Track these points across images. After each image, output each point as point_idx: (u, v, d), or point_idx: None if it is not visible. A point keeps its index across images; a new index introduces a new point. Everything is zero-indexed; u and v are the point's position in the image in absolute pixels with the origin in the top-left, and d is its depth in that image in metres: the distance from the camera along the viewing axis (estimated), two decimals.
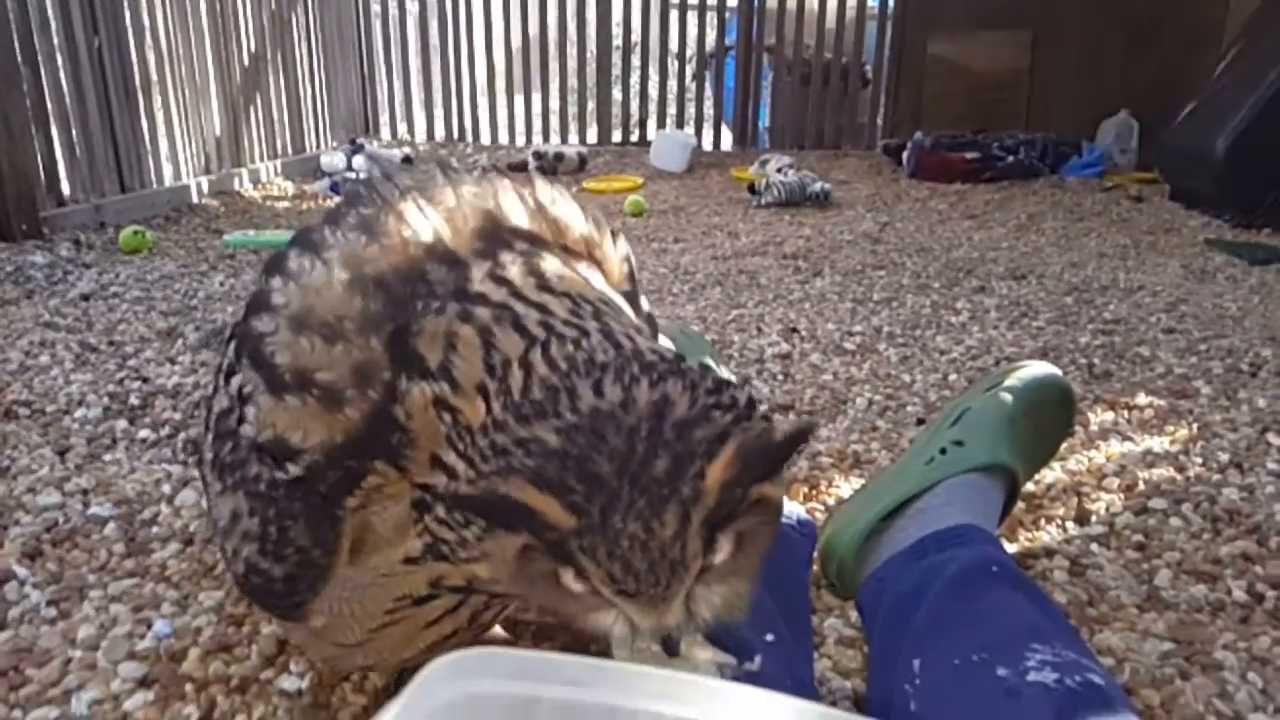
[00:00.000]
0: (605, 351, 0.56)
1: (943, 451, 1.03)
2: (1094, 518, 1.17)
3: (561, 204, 0.71)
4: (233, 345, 0.71)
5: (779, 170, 3.92)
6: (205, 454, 0.71)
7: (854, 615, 0.96)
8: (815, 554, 1.01)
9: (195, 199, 3.63)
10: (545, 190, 0.72)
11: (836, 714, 0.50)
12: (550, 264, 0.65)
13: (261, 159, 4.27)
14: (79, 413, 1.50)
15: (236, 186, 3.96)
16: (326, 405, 0.60)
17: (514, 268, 0.63)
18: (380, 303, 0.61)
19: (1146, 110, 4.37)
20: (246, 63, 4.17)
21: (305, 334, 0.62)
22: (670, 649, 0.56)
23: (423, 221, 0.65)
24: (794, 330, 2.01)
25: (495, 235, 0.66)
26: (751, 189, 3.84)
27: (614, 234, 0.75)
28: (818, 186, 3.72)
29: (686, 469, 0.51)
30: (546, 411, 0.53)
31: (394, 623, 0.67)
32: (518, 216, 0.68)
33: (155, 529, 1.15)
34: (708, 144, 5.74)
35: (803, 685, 0.77)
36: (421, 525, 0.61)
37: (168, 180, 3.59)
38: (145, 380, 1.65)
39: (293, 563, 0.64)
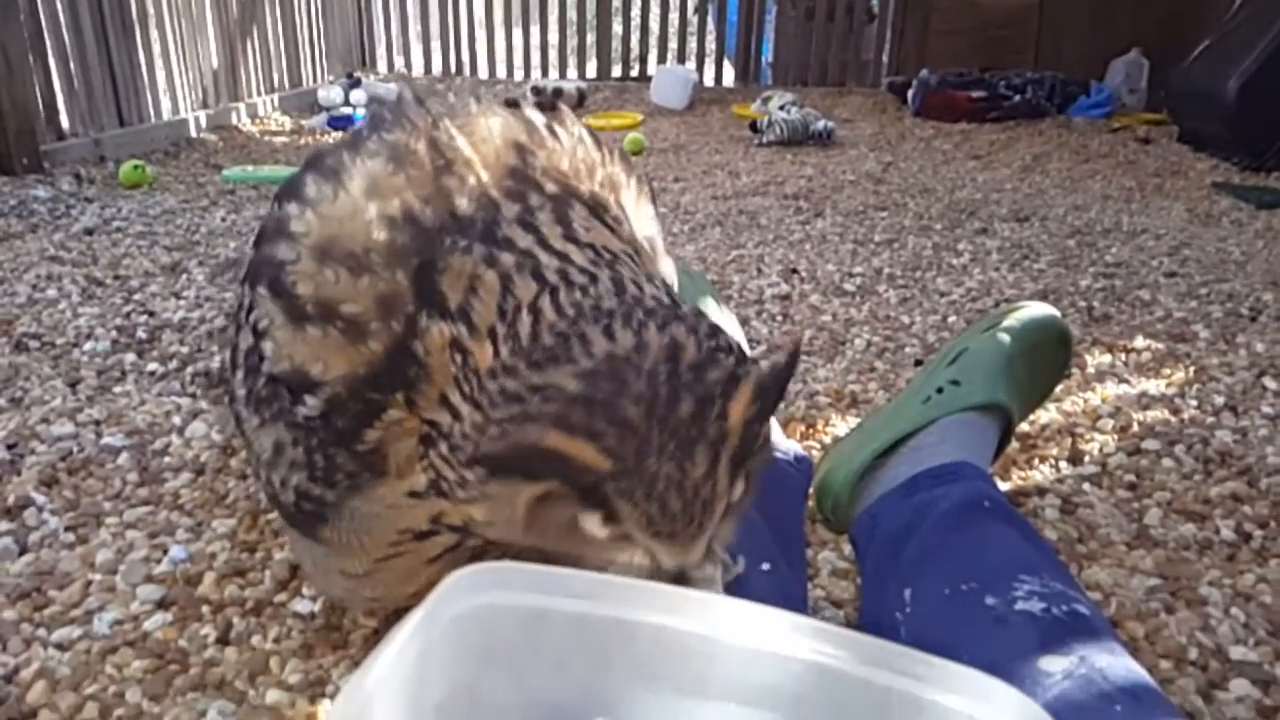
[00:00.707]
0: (610, 298, 0.57)
1: (939, 391, 1.04)
2: (1087, 458, 1.18)
3: (589, 143, 0.71)
4: (249, 276, 0.71)
5: (782, 108, 3.88)
6: (237, 390, 0.72)
7: (848, 549, 0.98)
8: (811, 490, 1.03)
9: (193, 133, 3.61)
10: (575, 128, 0.71)
11: (829, 628, 0.52)
12: (578, 212, 0.64)
13: (259, 93, 4.23)
14: (88, 346, 1.52)
15: (234, 121, 3.93)
16: (350, 337, 0.60)
17: (542, 214, 0.63)
18: (408, 236, 0.61)
19: (1158, 50, 4.31)
20: None
21: (330, 265, 0.61)
22: (681, 581, 0.56)
23: (455, 153, 0.64)
24: (794, 271, 2.01)
25: (526, 174, 0.65)
26: (753, 127, 3.80)
27: (639, 179, 0.74)
28: (821, 125, 3.69)
29: (709, 410, 0.52)
30: (559, 357, 0.54)
31: (397, 555, 0.67)
32: (549, 155, 0.67)
33: (167, 459, 1.17)
34: (709, 80, 5.67)
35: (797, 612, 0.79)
36: (426, 460, 0.61)
37: (166, 114, 3.57)
38: (151, 314, 1.66)
39: (343, 488, 0.65)
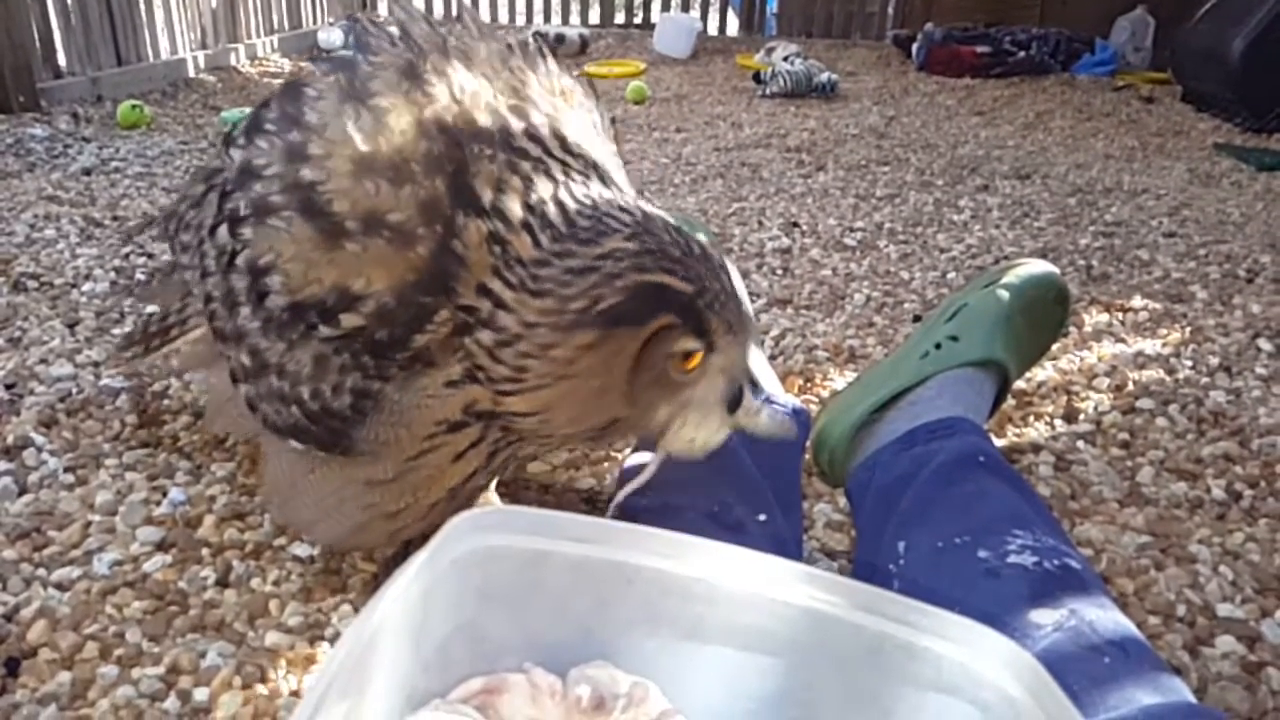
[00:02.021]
0: (608, 192, 0.70)
1: (938, 346, 1.04)
2: (1082, 416, 1.19)
3: (569, 79, 0.81)
4: (229, 220, 0.73)
5: (785, 59, 3.84)
6: (247, 325, 0.73)
7: (843, 502, 0.99)
8: (808, 443, 1.04)
9: (191, 74, 3.56)
10: (553, 64, 0.81)
11: (825, 575, 0.53)
12: (570, 130, 0.73)
13: (258, 34, 4.17)
14: (86, 287, 1.51)
15: (233, 62, 3.88)
16: (397, 245, 0.65)
17: (544, 130, 0.71)
18: (441, 145, 0.67)
19: (1164, 8, 4.26)
20: None
21: (370, 178, 0.66)
22: (740, 401, 0.70)
23: (467, 75, 0.72)
24: (795, 225, 2.00)
25: (525, 94, 0.73)
26: (757, 78, 3.76)
27: (610, 119, 0.84)
28: (824, 77, 3.65)
29: (711, 250, 0.68)
30: (605, 231, 0.65)
31: (431, 449, 0.72)
32: (540, 80, 0.76)
33: (166, 401, 1.17)
34: (713, 29, 5.60)
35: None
36: (462, 351, 0.67)
37: (164, 54, 3.51)
38: (150, 256, 1.65)
39: (400, 380, 0.69)
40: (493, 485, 0.91)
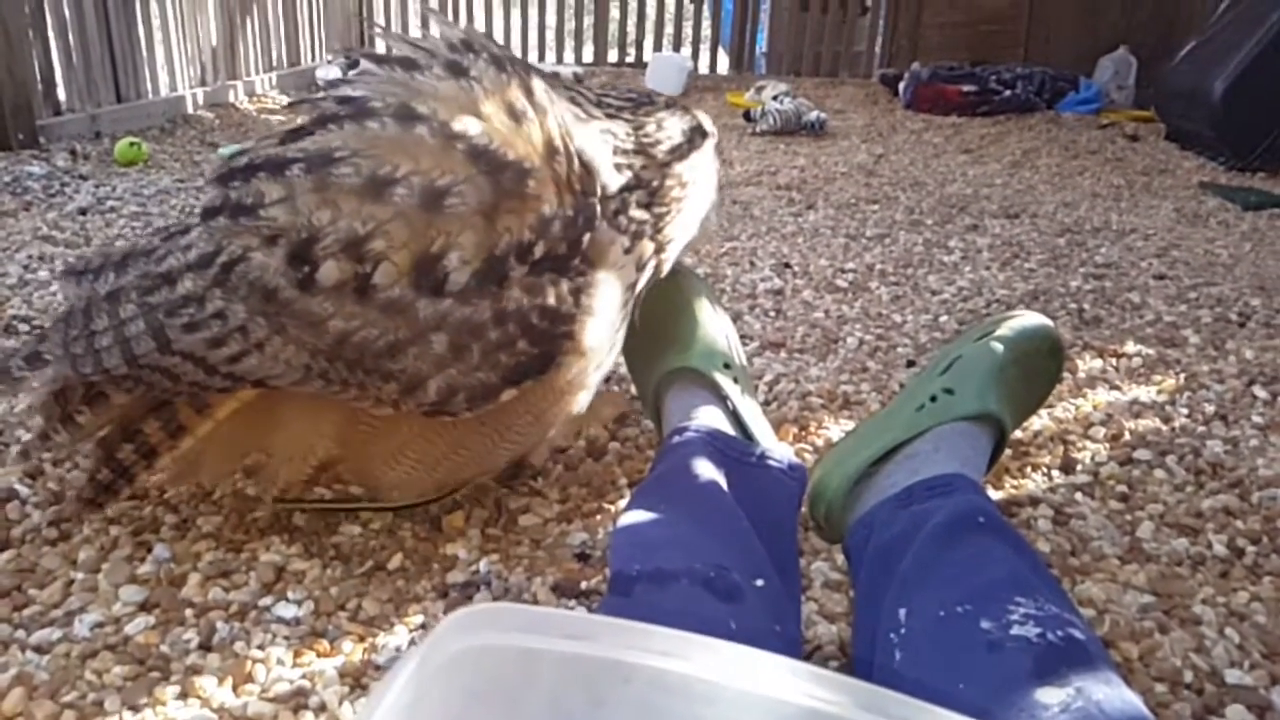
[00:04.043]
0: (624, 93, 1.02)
1: (933, 399, 1.03)
2: (1079, 466, 1.18)
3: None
4: (351, 238, 0.81)
5: (775, 98, 3.86)
6: (430, 310, 0.81)
7: (840, 559, 0.97)
8: (804, 496, 1.02)
9: (190, 110, 3.57)
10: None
11: (826, 673, 0.51)
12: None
13: (257, 71, 4.18)
14: None
15: (231, 99, 3.89)
16: (557, 170, 0.84)
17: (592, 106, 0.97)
18: (551, 99, 0.89)
19: (1146, 47, 4.31)
20: None
21: (525, 123, 0.85)
22: None
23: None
24: (787, 265, 2.00)
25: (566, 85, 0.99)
26: (747, 116, 3.78)
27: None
28: (813, 116, 3.67)
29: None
30: (647, 102, 1.02)
31: (625, 318, 0.95)
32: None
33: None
34: (704, 68, 5.64)
35: (789, 633, 0.78)
36: (626, 219, 0.91)
37: (163, 90, 3.53)
38: None
39: (582, 284, 0.88)
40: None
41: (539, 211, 0.82)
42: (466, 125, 0.81)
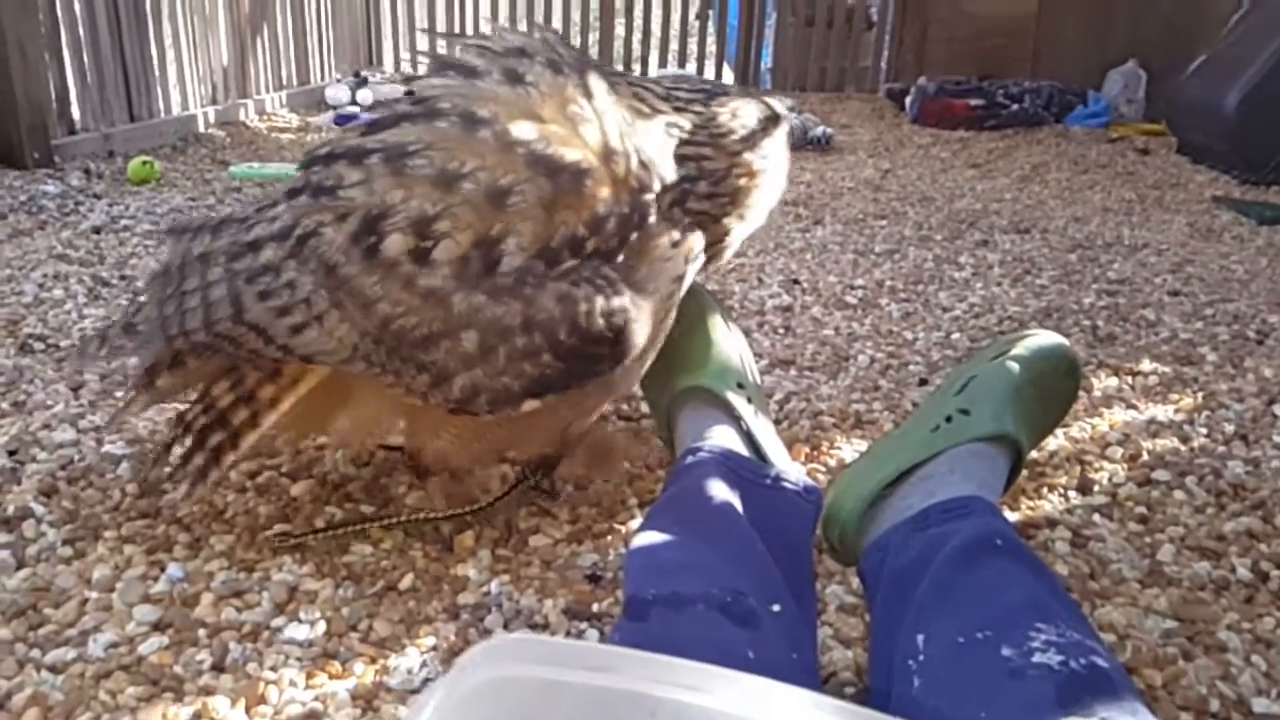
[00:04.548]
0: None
1: (948, 419, 1.02)
2: (1097, 487, 1.16)
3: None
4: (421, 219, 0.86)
5: None
6: (467, 302, 0.86)
7: (855, 582, 0.95)
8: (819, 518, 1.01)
9: (201, 129, 3.58)
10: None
11: (849, 706, 0.50)
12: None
13: (267, 89, 4.21)
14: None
15: (242, 117, 3.91)
16: (612, 166, 0.87)
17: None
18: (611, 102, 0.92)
19: (1155, 61, 4.30)
20: None
21: (585, 125, 0.88)
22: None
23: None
24: (795, 282, 1.99)
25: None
26: None
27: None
28: (819, 131, 3.66)
29: None
30: (717, 91, 1.01)
31: (669, 308, 0.97)
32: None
33: (167, 469, 1.13)
34: None
35: (806, 659, 0.77)
36: (683, 208, 0.94)
37: (175, 109, 3.54)
38: None
39: (628, 267, 0.91)
40: None
41: (594, 209, 0.86)
42: (524, 130, 0.86)
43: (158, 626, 0.88)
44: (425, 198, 0.85)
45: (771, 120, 1.04)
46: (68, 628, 0.88)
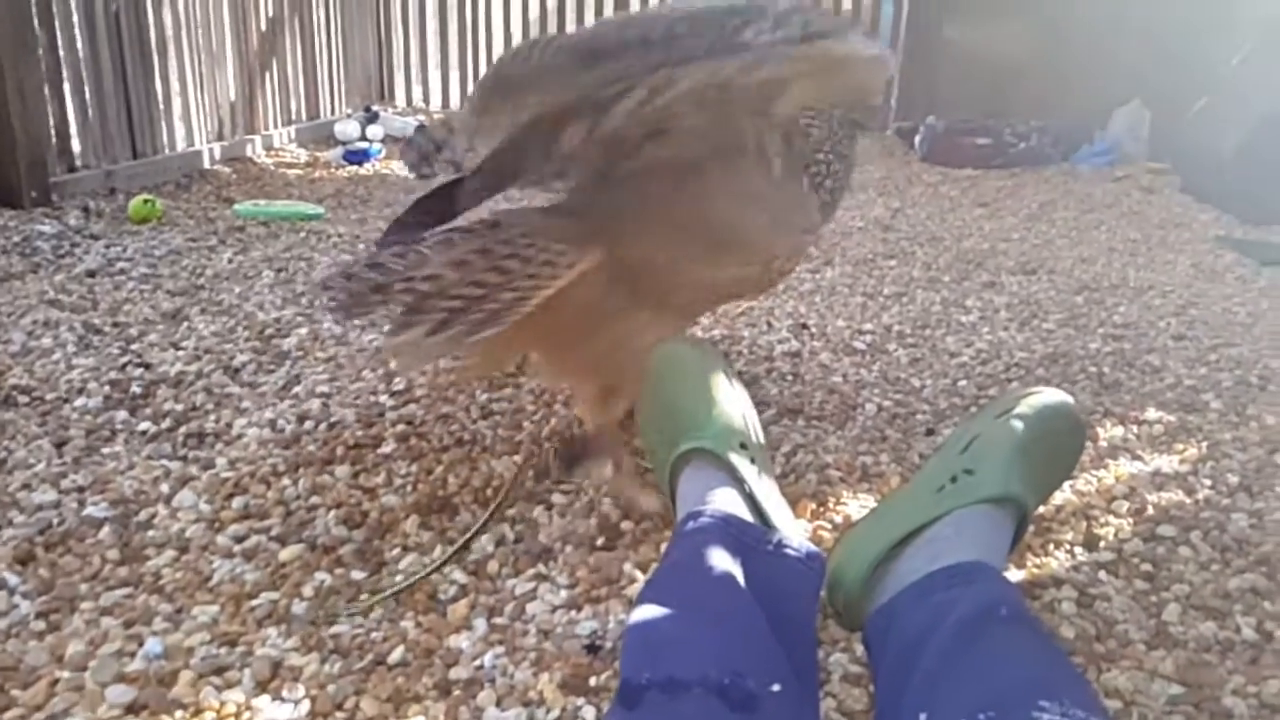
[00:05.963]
0: None
1: (953, 480, 1.02)
2: (1103, 543, 1.16)
3: None
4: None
5: None
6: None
7: (859, 650, 0.95)
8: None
9: (207, 165, 3.55)
10: None
11: None
12: None
13: (275, 125, 4.18)
14: (79, 401, 1.48)
15: (249, 153, 3.88)
16: None
17: None
18: None
19: (1160, 100, 4.32)
20: (264, 25, 4.08)
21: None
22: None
23: None
24: (804, 326, 2.00)
25: None
26: None
27: None
28: None
29: None
30: None
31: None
32: None
33: (151, 533, 1.13)
34: None
35: None
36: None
37: (180, 146, 3.51)
38: (148, 367, 1.64)
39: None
40: None
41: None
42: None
43: (131, 709, 0.85)
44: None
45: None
46: (35, 711, 0.84)
